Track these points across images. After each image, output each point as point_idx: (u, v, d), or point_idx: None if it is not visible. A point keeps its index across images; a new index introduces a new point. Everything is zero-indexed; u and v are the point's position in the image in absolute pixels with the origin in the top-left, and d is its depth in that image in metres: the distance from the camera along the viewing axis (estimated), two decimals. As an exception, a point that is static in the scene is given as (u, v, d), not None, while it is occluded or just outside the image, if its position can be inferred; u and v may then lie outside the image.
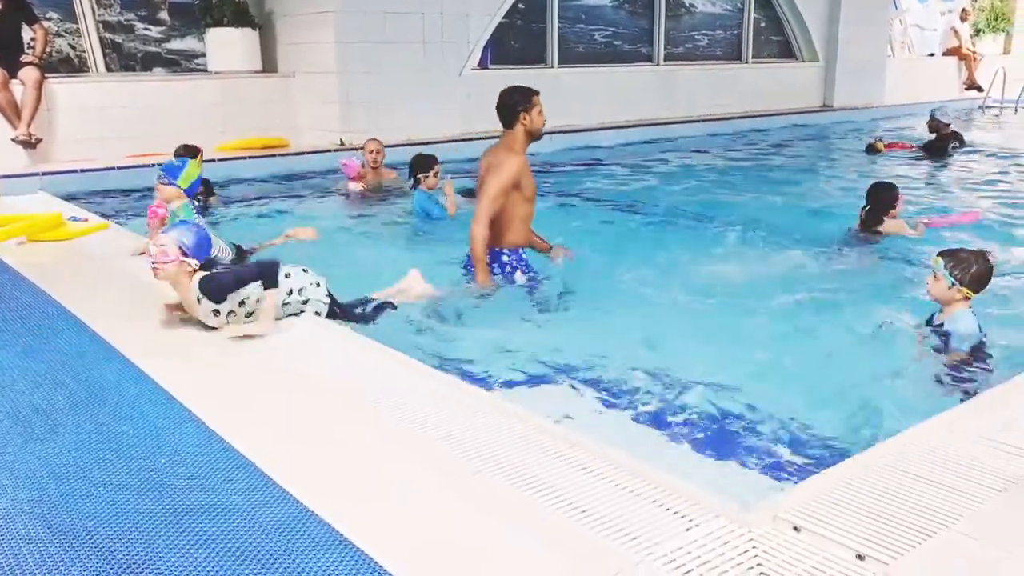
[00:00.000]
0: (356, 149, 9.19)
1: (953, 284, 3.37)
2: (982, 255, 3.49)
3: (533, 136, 4.61)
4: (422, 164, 6.64)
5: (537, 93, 4.62)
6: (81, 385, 2.90)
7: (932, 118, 10.30)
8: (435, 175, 6.61)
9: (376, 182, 7.66)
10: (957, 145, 10.27)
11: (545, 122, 4.62)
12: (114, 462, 2.36)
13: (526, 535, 1.94)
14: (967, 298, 3.41)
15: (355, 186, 7.59)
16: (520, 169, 4.53)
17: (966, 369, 3.32)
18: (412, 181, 6.66)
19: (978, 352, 3.39)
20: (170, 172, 4.70)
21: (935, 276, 3.43)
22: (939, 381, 3.29)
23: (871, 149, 10.33)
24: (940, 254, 3.45)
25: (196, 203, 6.66)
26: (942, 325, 3.45)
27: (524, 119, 4.55)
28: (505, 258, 4.66)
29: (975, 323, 3.43)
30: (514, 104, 4.59)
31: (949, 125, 10.20)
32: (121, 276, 4.34)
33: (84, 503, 2.14)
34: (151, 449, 2.43)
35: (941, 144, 10.10)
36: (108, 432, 2.54)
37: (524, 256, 4.74)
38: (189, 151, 6.53)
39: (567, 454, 2.29)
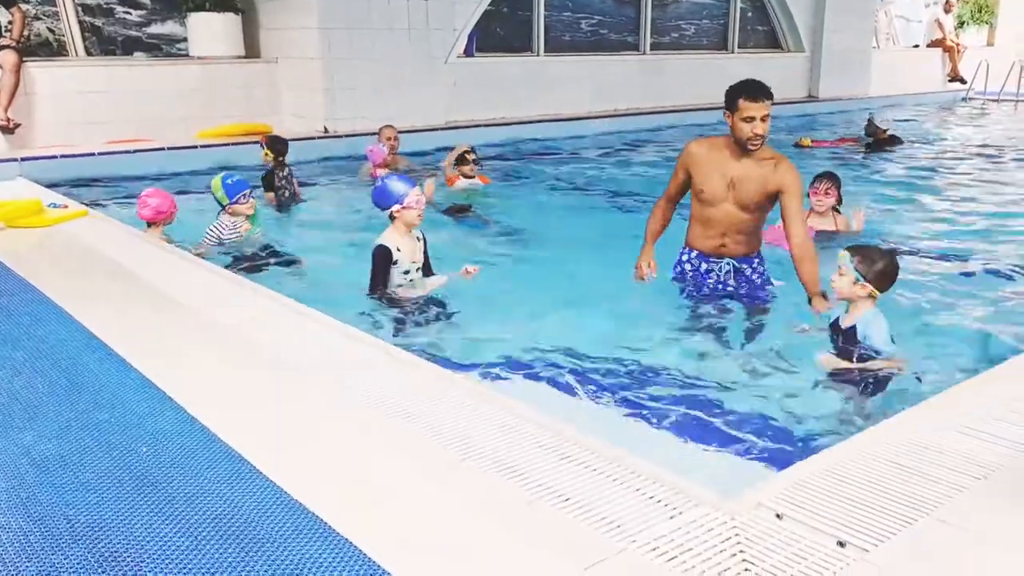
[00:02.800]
0: (332, 136, 9.18)
1: (859, 280, 3.32)
2: (890, 253, 3.47)
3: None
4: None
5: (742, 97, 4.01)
6: (61, 373, 2.87)
7: (869, 122, 10.10)
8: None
9: (395, 168, 7.70)
10: (892, 148, 10.04)
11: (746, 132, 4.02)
12: (95, 450, 2.34)
13: (509, 523, 1.94)
14: (873, 297, 3.36)
15: (381, 172, 7.65)
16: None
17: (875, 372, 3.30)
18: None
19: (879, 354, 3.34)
20: None
21: (840, 271, 3.36)
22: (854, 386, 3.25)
23: (799, 145, 10.14)
24: (848, 249, 3.40)
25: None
26: (853, 328, 3.37)
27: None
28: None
29: (886, 326, 3.36)
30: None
31: (887, 131, 10.00)
32: (102, 263, 4.31)
33: (64, 491, 2.13)
34: (132, 437, 2.41)
35: (879, 147, 9.91)
36: (89, 420, 2.52)
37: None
38: None
39: (550, 443, 2.30)
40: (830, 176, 5.60)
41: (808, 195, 4.63)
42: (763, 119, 3.94)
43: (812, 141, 10.35)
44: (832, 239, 5.30)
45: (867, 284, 3.31)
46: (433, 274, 4.34)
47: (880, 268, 3.32)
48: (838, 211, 5.59)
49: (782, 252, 4.29)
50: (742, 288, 4.26)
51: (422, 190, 4.31)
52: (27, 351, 3.07)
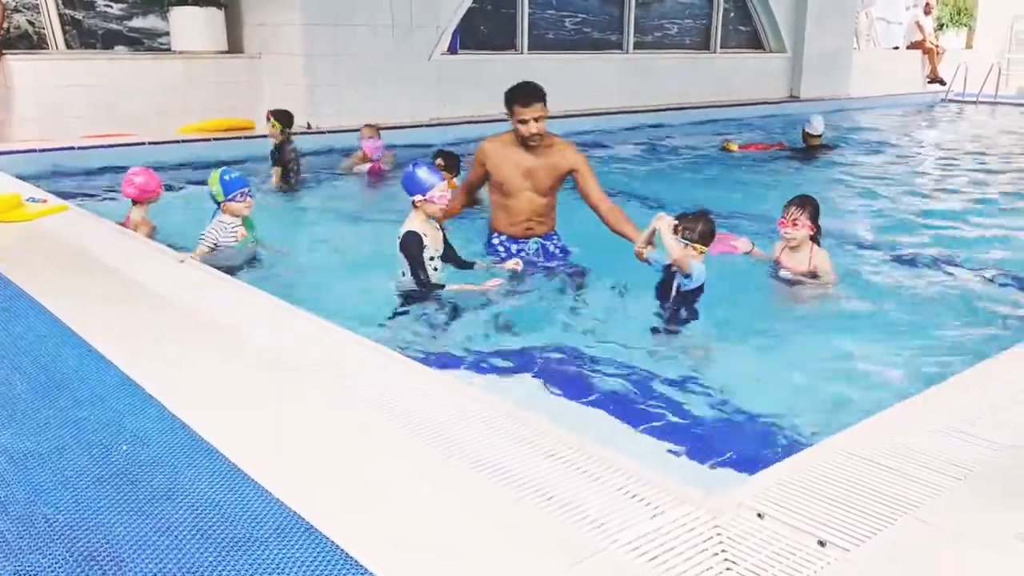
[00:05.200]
0: (316, 132, 9.15)
1: (688, 244, 3.86)
2: (705, 215, 4.01)
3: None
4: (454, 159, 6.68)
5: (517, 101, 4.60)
6: (40, 370, 2.84)
7: (802, 129, 9.80)
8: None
9: (382, 165, 7.80)
10: (824, 155, 9.75)
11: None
12: (74, 448, 2.32)
13: (491, 521, 1.94)
14: (701, 252, 3.92)
15: (361, 166, 7.82)
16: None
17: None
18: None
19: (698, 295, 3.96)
20: None
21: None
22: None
23: (725, 150, 10.02)
24: (676, 218, 3.93)
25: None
26: (688, 276, 3.88)
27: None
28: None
29: (704, 268, 3.92)
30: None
31: (819, 137, 9.71)
32: (82, 259, 4.27)
33: (43, 490, 2.11)
34: (112, 435, 2.39)
35: (809, 153, 9.65)
36: (68, 417, 2.50)
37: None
38: None
39: (533, 441, 2.30)
40: (800, 201, 4.49)
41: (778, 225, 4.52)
42: (537, 120, 4.54)
43: (739, 145, 10.10)
44: (800, 293, 4.40)
45: (695, 245, 3.89)
46: (466, 265, 4.40)
47: (701, 230, 3.92)
48: (818, 242, 4.54)
49: (732, 257, 4.55)
50: (551, 261, 4.82)
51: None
52: (5, 347, 3.04)
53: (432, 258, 4.22)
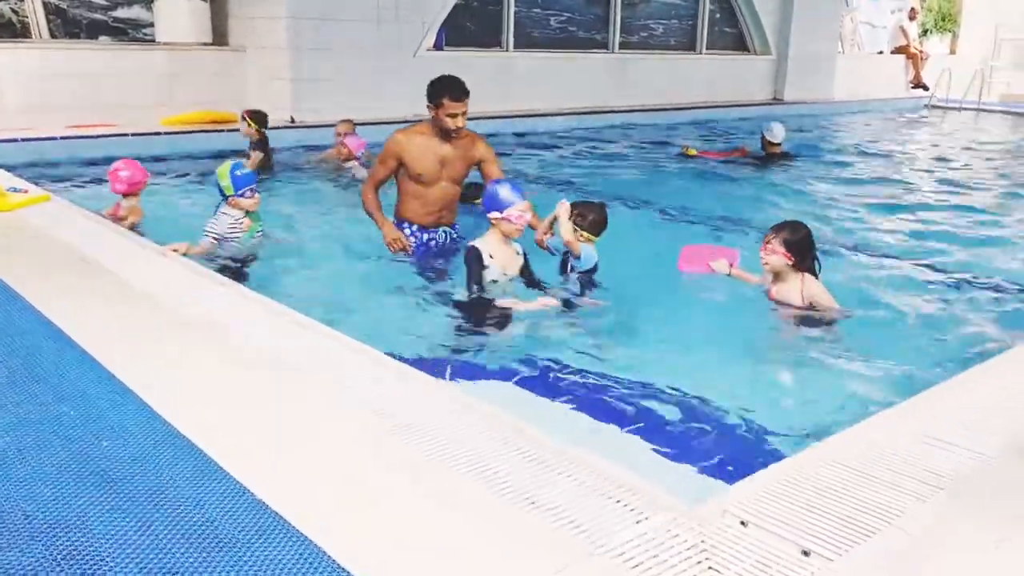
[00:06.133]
0: (299, 126, 9.11)
1: (577, 230, 4.22)
2: (600, 206, 4.34)
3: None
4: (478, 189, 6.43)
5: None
6: (20, 363, 2.81)
7: (762, 136, 9.58)
8: None
9: (342, 162, 7.71)
10: (785, 163, 9.49)
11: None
12: (54, 444, 2.30)
13: (476, 525, 1.93)
14: (591, 240, 4.26)
15: (331, 157, 7.82)
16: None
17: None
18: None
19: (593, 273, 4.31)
20: None
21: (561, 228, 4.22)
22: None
23: (684, 154, 9.86)
24: (573, 205, 4.27)
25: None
26: (578, 258, 4.23)
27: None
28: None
29: (593, 252, 4.27)
30: None
31: (779, 145, 9.44)
32: (64, 250, 4.22)
33: (23, 486, 2.08)
34: (93, 431, 2.37)
35: (769, 161, 9.40)
36: (49, 413, 2.47)
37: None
38: None
39: (518, 445, 2.29)
40: (777, 226, 4.09)
41: None
42: (463, 114, 4.80)
43: (698, 151, 9.97)
44: (792, 323, 4.03)
45: (584, 232, 4.23)
46: (541, 290, 4.27)
47: (592, 219, 4.26)
48: (815, 273, 4.08)
49: (700, 276, 4.49)
50: (452, 247, 5.07)
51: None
52: (-16, 341, 3.00)
53: (496, 280, 4.13)
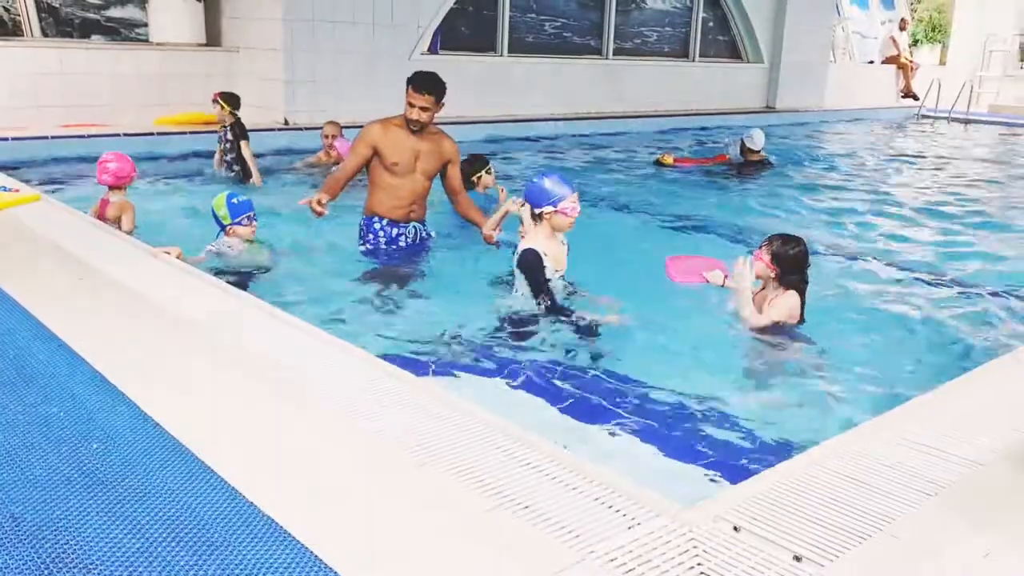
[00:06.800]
0: (292, 128, 9.11)
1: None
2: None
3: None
4: (480, 162, 6.25)
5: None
6: (9, 364, 2.79)
7: (742, 143, 9.38)
8: (488, 172, 6.25)
9: (331, 166, 7.66)
10: (763, 171, 9.32)
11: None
12: (43, 446, 2.28)
13: (466, 531, 1.93)
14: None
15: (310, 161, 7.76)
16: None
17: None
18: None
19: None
20: None
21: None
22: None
23: (659, 163, 9.57)
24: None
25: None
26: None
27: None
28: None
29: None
30: None
31: (759, 152, 9.29)
32: (54, 251, 4.20)
33: (11, 488, 2.06)
34: (83, 433, 2.35)
35: (749, 168, 9.25)
36: (37, 414, 2.45)
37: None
38: None
39: (510, 450, 2.29)
40: (773, 238, 3.93)
41: None
42: (422, 109, 4.81)
43: (675, 159, 9.70)
44: (783, 332, 3.86)
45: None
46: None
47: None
48: (798, 290, 3.87)
49: (694, 286, 4.37)
50: (422, 245, 5.12)
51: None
52: (-27, 341, 2.98)
53: (549, 280, 3.95)
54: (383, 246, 5.03)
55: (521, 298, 4.00)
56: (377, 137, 4.91)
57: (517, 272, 4.01)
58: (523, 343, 3.77)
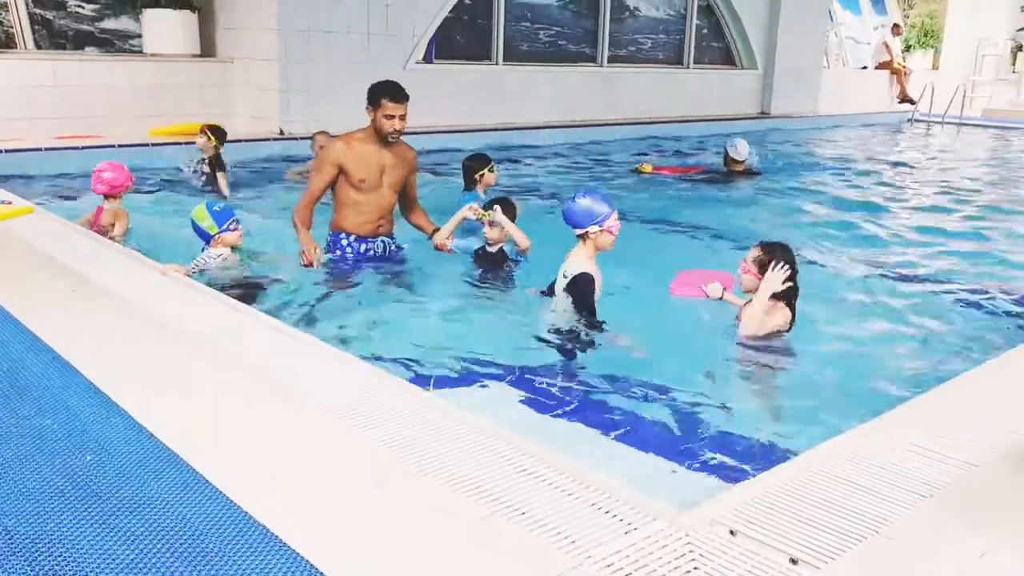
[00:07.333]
0: (288, 138, 9.11)
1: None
2: (506, 200, 4.87)
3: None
4: (482, 160, 6.21)
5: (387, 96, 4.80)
6: (3, 376, 2.78)
7: (725, 152, 9.21)
8: (491, 170, 6.20)
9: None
10: (748, 180, 9.14)
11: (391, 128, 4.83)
12: (37, 458, 2.27)
13: (463, 537, 1.92)
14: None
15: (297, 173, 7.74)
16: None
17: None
18: (466, 182, 6.22)
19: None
20: None
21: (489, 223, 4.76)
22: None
23: (638, 171, 9.45)
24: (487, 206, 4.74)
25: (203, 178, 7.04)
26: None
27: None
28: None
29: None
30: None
31: (743, 163, 9.11)
32: (47, 263, 4.19)
33: (4, 501, 2.06)
34: (77, 444, 2.35)
35: (732, 177, 9.07)
36: (31, 426, 2.45)
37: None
38: None
39: (506, 455, 2.29)
40: (758, 246, 3.84)
41: None
42: (401, 117, 4.78)
43: (653, 167, 9.54)
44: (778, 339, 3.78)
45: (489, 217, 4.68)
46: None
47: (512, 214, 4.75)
48: (789, 303, 3.76)
49: (694, 300, 4.34)
50: (393, 258, 5.08)
51: None
52: (-33, 353, 2.97)
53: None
54: (350, 260, 4.97)
55: (563, 314, 3.94)
56: (342, 155, 4.84)
57: (564, 293, 3.92)
58: (567, 358, 3.74)
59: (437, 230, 5.04)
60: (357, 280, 4.78)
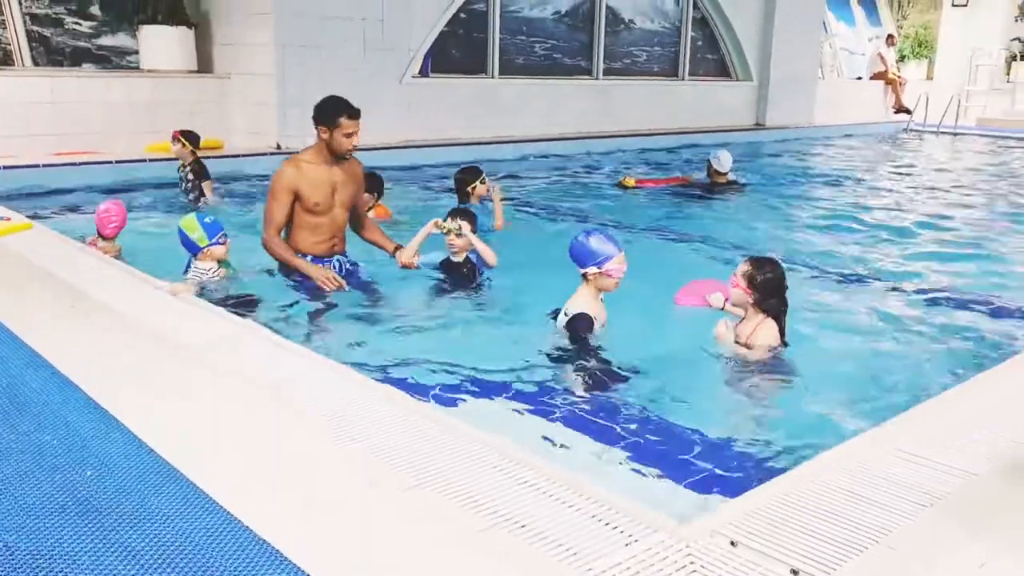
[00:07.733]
0: (284, 152, 9.09)
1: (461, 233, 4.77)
2: (466, 211, 5.04)
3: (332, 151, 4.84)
4: (473, 173, 6.42)
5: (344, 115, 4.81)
6: (2, 393, 2.78)
7: (708, 164, 9.13)
8: (482, 183, 6.40)
9: None
10: (733, 192, 9.09)
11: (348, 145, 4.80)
12: (37, 474, 2.27)
13: (464, 550, 1.92)
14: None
15: None
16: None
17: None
18: (459, 195, 6.40)
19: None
20: None
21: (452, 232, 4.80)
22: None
23: (621, 186, 9.36)
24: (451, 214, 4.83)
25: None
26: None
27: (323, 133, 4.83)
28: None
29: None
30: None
31: (726, 175, 9.04)
32: (46, 278, 4.19)
33: (4, 517, 2.05)
34: (77, 460, 2.34)
35: (716, 190, 9.00)
36: (31, 442, 2.44)
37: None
38: None
39: (505, 468, 2.29)
40: (747, 261, 3.81)
41: None
42: (356, 133, 4.82)
43: (636, 180, 9.45)
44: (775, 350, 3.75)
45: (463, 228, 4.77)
46: None
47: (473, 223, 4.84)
48: (775, 319, 3.74)
49: (699, 310, 4.36)
50: (351, 278, 4.92)
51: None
52: (-34, 370, 2.97)
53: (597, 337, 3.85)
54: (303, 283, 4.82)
55: (560, 337, 3.92)
56: (296, 181, 4.75)
57: (563, 330, 3.86)
58: (565, 371, 3.72)
59: (399, 247, 4.98)
60: (330, 300, 4.68)
